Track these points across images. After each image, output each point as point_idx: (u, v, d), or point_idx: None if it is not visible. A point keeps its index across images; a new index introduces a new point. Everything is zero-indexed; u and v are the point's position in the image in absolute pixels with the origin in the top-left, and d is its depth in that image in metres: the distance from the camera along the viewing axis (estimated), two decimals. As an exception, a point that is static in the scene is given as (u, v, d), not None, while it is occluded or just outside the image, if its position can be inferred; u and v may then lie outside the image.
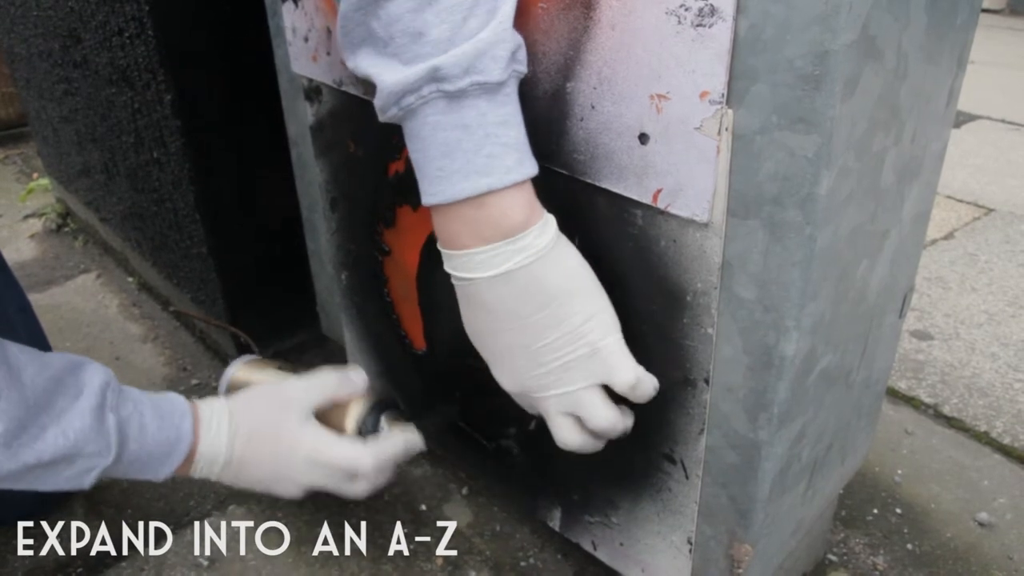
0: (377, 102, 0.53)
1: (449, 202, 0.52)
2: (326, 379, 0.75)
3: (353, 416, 0.75)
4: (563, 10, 0.52)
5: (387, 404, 0.78)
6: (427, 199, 0.53)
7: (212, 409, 0.70)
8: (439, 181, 0.52)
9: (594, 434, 0.58)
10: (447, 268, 0.56)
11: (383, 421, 0.76)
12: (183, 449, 0.68)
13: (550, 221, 0.54)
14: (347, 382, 0.76)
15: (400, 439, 0.74)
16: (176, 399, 0.70)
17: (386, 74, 0.51)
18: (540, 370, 0.56)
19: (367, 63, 0.53)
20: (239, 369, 0.83)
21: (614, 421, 0.57)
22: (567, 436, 0.58)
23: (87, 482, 0.64)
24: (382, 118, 0.54)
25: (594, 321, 0.54)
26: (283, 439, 0.70)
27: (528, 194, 0.53)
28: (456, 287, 0.57)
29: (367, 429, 0.75)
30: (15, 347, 0.62)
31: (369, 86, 0.69)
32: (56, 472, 0.63)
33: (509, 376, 0.59)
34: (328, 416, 0.75)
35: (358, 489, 0.73)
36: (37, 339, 0.93)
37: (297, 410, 0.71)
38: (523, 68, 0.53)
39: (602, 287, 0.56)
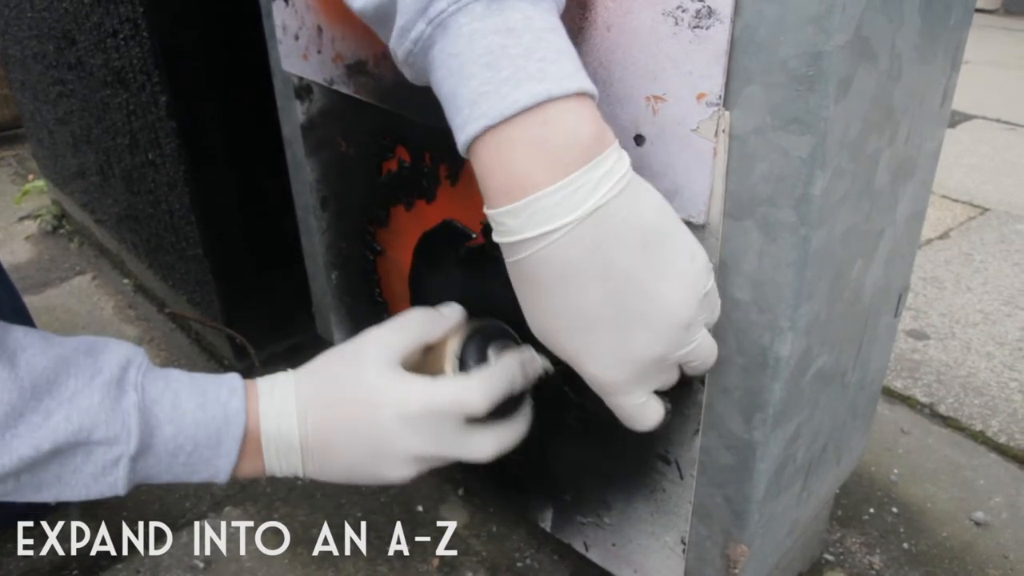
0: (398, 22, 0.44)
1: (499, 121, 0.41)
2: (409, 319, 0.60)
3: (451, 353, 0.59)
4: (557, 11, 0.52)
5: (494, 332, 0.61)
6: (469, 128, 0.42)
7: (275, 381, 0.57)
8: (484, 98, 0.41)
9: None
10: (498, 237, 0.44)
11: (490, 351, 0.60)
12: (236, 432, 0.54)
13: (619, 147, 0.44)
14: (437, 318, 0.60)
15: (514, 360, 0.58)
16: (227, 376, 0.56)
17: None
18: (660, 340, 0.45)
19: None
20: None
21: (717, 351, 0.50)
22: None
23: (119, 478, 0.53)
24: (401, 52, 0.45)
25: (699, 259, 0.46)
26: (364, 397, 0.55)
27: (596, 110, 0.43)
28: (515, 269, 0.45)
29: (470, 363, 0.59)
30: (21, 330, 0.53)
31: (360, 84, 0.69)
32: (72, 467, 0.52)
33: (616, 364, 0.46)
34: (423, 365, 0.60)
35: (482, 447, 0.57)
36: (32, 341, 0.92)
37: (376, 360, 0.56)
38: None
39: None
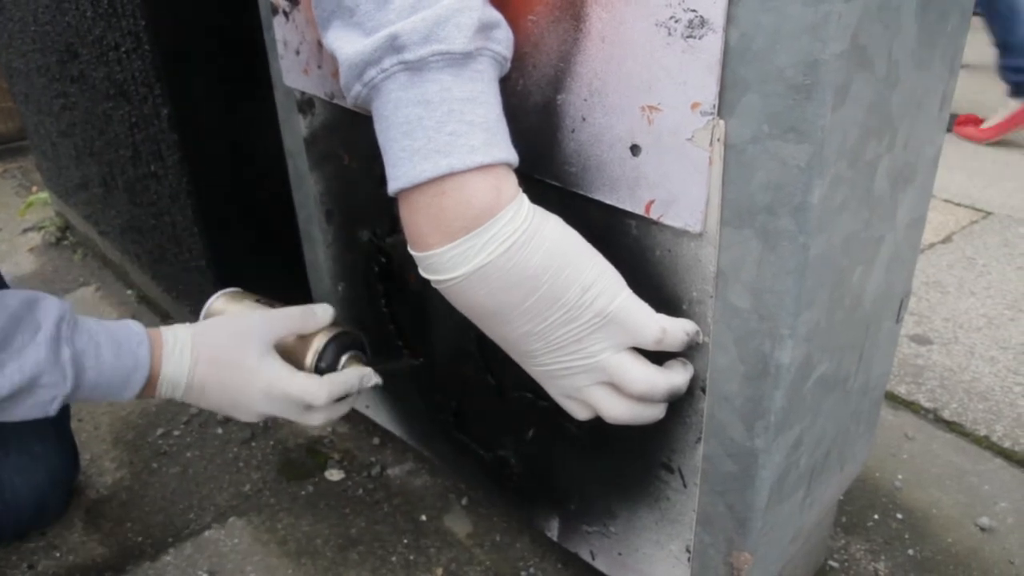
0: (341, 81, 0.51)
1: (410, 186, 0.48)
2: (289, 313, 0.75)
3: (313, 350, 0.75)
4: (553, 23, 0.52)
5: (350, 341, 0.77)
6: (391, 186, 0.50)
7: (176, 337, 0.71)
8: (400, 163, 0.49)
9: (639, 399, 0.54)
10: (420, 272, 0.53)
11: (343, 358, 0.76)
12: (141, 375, 0.69)
13: (522, 201, 0.50)
14: (311, 317, 0.75)
15: (355, 374, 0.74)
16: (133, 327, 0.70)
17: (347, 46, 0.49)
18: (555, 349, 0.53)
19: (334, 36, 0.50)
20: (218, 300, 0.82)
21: (652, 380, 0.53)
22: (609, 407, 0.54)
23: (52, 409, 0.66)
24: (349, 100, 0.51)
25: (594, 289, 0.50)
26: (240, 371, 0.71)
27: (495, 179, 0.49)
28: (437, 289, 0.53)
29: (325, 364, 0.75)
30: None
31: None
32: (20, 402, 0.65)
33: (528, 363, 0.56)
34: (291, 349, 0.75)
35: (313, 420, 0.74)
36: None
37: (256, 343, 0.71)
38: (500, 49, 0.50)
39: (595, 250, 0.52)
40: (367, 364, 0.77)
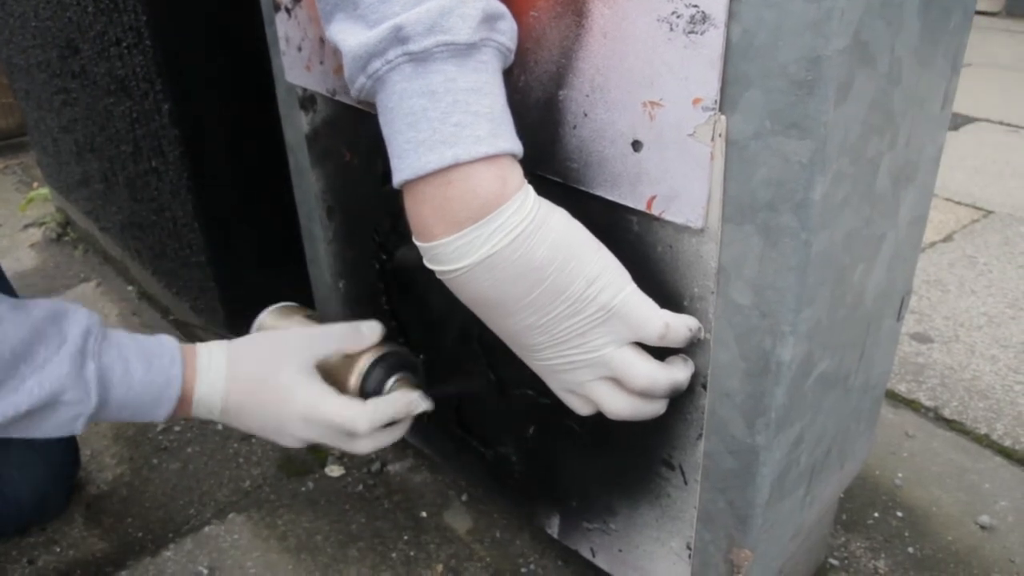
0: (345, 73, 0.51)
1: (415, 177, 0.48)
2: (334, 330, 0.71)
3: (357, 372, 0.70)
4: (555, 18, 0.52)
5: (398, 362, 0.72)
6: (396, 178, 0.50)
7: (211, 353, 0.68)
8: (405, 155, 0.49)
9: (641, 395, 0.54)
10: (425, 263, 0.52)
11: (391, 381, 0.71)
12: (173, 394, 0.66)
13: (528, 192, 0.50)
14: (357, 335, 0.71)
15: (401, 400, 0.69)
16: (167, 342, 0.67)
17: (350, 38, 0.49)
18: (558, 343, 0.52)
19: (337, 29, 0.51)
20: (268, 316, 0.78)
21: (654, 375, 0.53)
22: (611, 402, 0.54)
23: (78, 428, 0.64)
24: (353, 93, 0.51)
25: (599, 283, 0.50)
26: (278, 391, 0.67)
27: (500, 169, 0.49)
28: (442, 280, 0.53)
29: (370, 387, 0.70)
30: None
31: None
32: (42, 419, 0.62)
33: (530, 357, 0.55)
34: (335, 370, 0.70)
35: (359, 447, 0.69)
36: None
37: (297, 360, 0.68)
38: (504, 40, 0.50)
39: (600, 243, 0.52)
40: (418, 388, 0.72)
